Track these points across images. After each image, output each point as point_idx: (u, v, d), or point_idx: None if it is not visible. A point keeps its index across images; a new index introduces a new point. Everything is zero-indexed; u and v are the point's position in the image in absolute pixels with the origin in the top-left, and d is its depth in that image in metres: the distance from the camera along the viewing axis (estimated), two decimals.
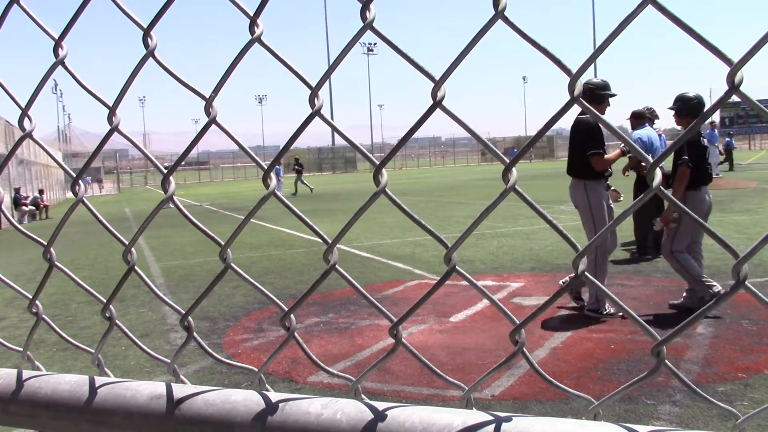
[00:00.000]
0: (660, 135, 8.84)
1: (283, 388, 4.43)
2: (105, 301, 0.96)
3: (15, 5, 0.93)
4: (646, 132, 8.35)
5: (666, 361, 0.64)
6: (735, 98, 0.57)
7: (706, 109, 0.59)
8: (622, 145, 5.77)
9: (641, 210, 8.25)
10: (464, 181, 34.78)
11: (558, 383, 0.73)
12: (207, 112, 0.81)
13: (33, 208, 24.93)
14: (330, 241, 0.78)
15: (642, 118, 8.58)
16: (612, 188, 6.12)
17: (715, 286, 5.64)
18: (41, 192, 27.52)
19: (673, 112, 6.00)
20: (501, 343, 5.24)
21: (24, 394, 0.92)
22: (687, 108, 5.87)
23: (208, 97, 0.81)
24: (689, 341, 4.97)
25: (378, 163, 0.73)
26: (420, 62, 0.69)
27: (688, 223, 5.67)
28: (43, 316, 1.01)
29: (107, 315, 0.96)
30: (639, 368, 4.49)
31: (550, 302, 0.69)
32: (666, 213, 5.87)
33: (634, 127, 8.61)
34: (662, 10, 0.58)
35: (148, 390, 0.86)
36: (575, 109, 0.65)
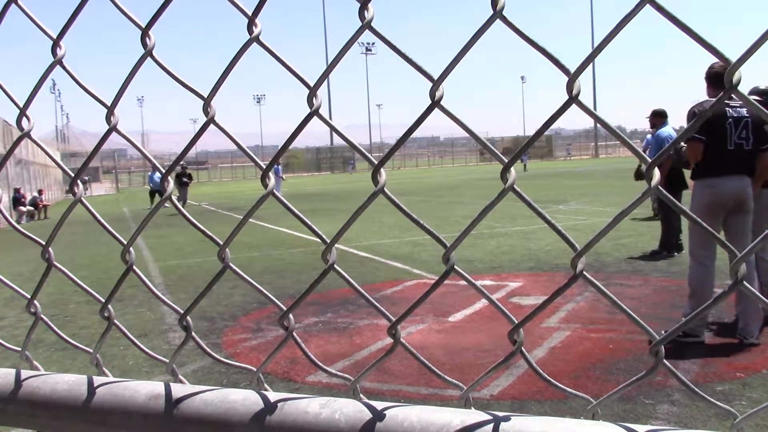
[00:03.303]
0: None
1: (282, 387, 4.43)
2: (103, 300, 0.96)
3: (13, 4, 0.92)
4: (668, 130, 8.49)
5: (664, 360, 0.64)
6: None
7: (707, 108, 0.59)
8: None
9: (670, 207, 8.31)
10: (463, 180, 34.79)
11: (556, 383, 0.73)
12: (205, 111, 0.81)
13: (31, 208, 24.90)
14: (329, 241, 0.78)
15: (664, 116, 8.64)
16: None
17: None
18: (40, 192, 27.50)
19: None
20: (499, 343, 5.24)
21: (22, 394, 0.92)
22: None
23: (206, 96, 0.81)
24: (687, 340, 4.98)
25: (377, 162, 0.73)
26: (418, 62, 0.69)
27: (762, 224, 5.26)
28: (42, 315, 1.01)
29: (106, 315, 0.96)
30: (637, 368, 4.49)
31: (549, 302, 0.69)
32: None
33: (655, 126, 8.67)
34: (660, 9, 0.58)
35: (146, 390, 0.86)
36: (574, 109, 0.65)
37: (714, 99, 4.90)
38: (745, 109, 4.95)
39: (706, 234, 3.76)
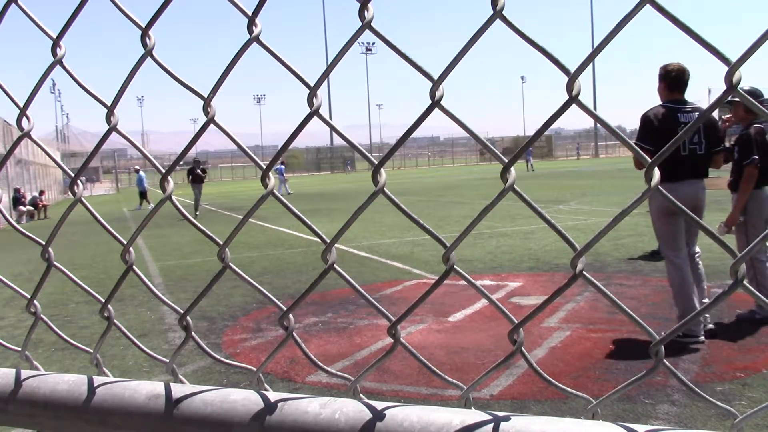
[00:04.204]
0: None
1: (282, 387, 4.43)
2: (103, 300, 0.96)
3: (13, 4, 0.92)
4: None
5: (664, 360, 0.64)
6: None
7: (705, 108, 0.59)
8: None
9: None
10: (463, 180, 34.77)
11: (556, 383, 0.73)
12: (205, 111, 0.81)
13: (31, 208, 24.91)
14: (328, 241, 0.78)
15: None
16: None
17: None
18: (41, 193, 27.51)
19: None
20: (499, 343, 5.24)
21: (22, 394, 0.92)
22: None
23: (206, 96, 0.81)
24: (687, 340, 4.97)
25: (377, 162, 0.73)
26: (418, 62, 0.69)
27: (755, 223, 5.31)
28: (42, 315, 1.01)
29: (106, 315, 0.96)
30: (637, 367, 4.49)
31: (549, 302, 0.69)
32: (731, 215, 5.32)
33: None
34: (660, 9, 0.58)
35: (146, 389, 0.86)
36: (574, 109, 0.65)
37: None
38: (697, 113, 4.94)
39: (672, 234, 3.82)
